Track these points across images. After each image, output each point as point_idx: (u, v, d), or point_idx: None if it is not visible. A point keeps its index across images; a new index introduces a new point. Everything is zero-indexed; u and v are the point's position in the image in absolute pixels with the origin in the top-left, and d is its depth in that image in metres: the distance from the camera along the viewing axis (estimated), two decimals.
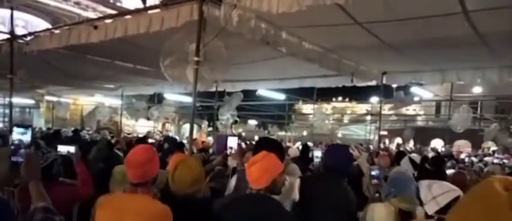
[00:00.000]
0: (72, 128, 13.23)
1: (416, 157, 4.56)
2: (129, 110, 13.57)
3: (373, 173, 3.71)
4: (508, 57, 5.76)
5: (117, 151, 7.38)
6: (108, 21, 5.02)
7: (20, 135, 5.21)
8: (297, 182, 2.45)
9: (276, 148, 2.48)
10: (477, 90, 20.02)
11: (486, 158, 12.03)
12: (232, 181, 2.85)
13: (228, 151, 2.71)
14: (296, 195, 2.41)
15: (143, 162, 2.06)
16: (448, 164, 7.98)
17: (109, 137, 10.81)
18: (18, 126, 5.43)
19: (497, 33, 4.61)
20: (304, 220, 2.27)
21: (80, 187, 3.04)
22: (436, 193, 2.15)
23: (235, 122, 25.36)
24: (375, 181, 3.66)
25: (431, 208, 2.14)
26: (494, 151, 16.17)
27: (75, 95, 15.50)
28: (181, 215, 2.22)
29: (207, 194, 2.74)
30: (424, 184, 2.33)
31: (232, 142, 2.72)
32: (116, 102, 14.20)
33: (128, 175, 2.05)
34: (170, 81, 4.75)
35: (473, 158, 10.75)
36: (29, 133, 5.29)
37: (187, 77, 4.61)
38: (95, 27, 5.02)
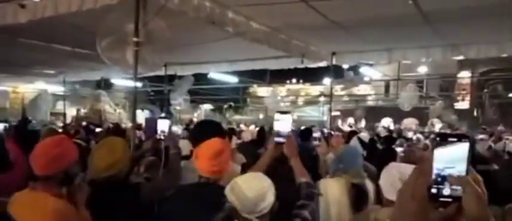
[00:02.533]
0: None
1: (365, 136, 4.61)
2: (72, 98, 12.82)
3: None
4: (450, 36, 5.93)
5: (77, 141, 6.99)
6: None
7: None
8: (238, 169, 2.32)
9: (218, 131, 2.32)
10: (423, 69, 20.92)
11: (432, 135, 12.62)
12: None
13: (159, 135, 2.50)
14: None
15: (49, 152, 1.82)
16: (397, 142, 8.27)
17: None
18: None
19: (439, 12, 4.70)
20: None
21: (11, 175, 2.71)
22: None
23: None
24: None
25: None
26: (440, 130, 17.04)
27: (14, 82, 14.43)
28: (98, 201, 2.05)
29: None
30: (393, 170, 2.14)
31: (164, 125, 2.52)
32: (59, 89, 13.28)
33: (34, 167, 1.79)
34: (108, 64, 4.45)
35: (419, 135, 11.19)
36: None
37: (128, 60, 4.33)
38: (22, 6, 4.57)
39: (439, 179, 0.74)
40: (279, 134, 1.99)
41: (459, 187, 0.73)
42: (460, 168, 0.74)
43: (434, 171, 0.75)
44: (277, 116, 2.02)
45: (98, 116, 14.05)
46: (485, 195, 0.75)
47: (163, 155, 2.44)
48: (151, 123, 2.74)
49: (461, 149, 0.74)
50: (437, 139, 0.76)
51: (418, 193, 0.76)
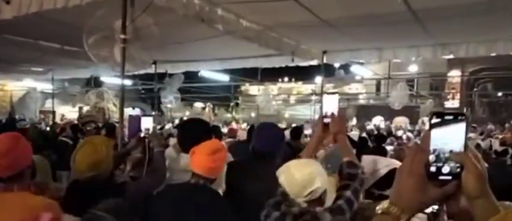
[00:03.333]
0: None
1: (354, 135, 4.59)
2: (61, 96, 12.62)
3: None
4: (440, 35, 5.95)
5: (64, 139, 6.92)
6: None
7: None
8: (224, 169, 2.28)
9: (207, 131, 2.27)
10: (414, 68, 21.05)
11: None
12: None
13: (143, 133, 2.44)
14: (222, 184, 2.23)
15: (6, 151, 1.75)
16: (388, 140, 8.31)
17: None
18: None
19: (429, 10, 4.70)
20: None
21: None
22: (379, 167, 1.99)
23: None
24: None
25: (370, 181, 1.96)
26: None
27: (1, 80, 14.21)
28: (82, 202, 2.03)
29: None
30: (367, 159, 2.17)
31: (147, 123, 2.46)
32: (48, 87, 13.08)
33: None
34: (95, 62, 4.38)
35: (409, 134, 11.26)
36: None
37: (115, 57, 4.27)
38: (7, 2, 4.47)
39: (438, 157, 0.74)
40: (326, 115, 2.00)
41: (458, 164, 0.73)
42: (457, 146, 0.74)
43: (432, 149, 0.74)
44: (325, 97, 2.08)
45: (101, 115, 12.88)
46: (485, 171, 0.75)
47: (147, 154, 2.39)
48: (135, 121, 2.65)
49: (459, 127, 0.73)
50: (435, 117, 0.75)
51: (415, 169, 0.76)
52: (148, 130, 2.45)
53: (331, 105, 2.01)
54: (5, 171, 1.73)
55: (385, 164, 2.05)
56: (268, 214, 1.72)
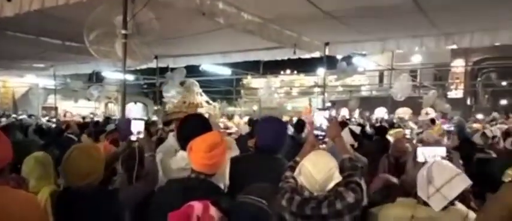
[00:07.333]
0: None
1: (356, 128, 4.55)
2: (64, 91, 12.64)
3: None
4: (443, 25, 5.89)
5: (70, 135, 6.89)
6: None
7: None
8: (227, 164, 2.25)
9: (205, 129, 2.23)
10: (417, 59, 20.94)
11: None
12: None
13: (135, 136, 2.38)
14: (225, 179, 2.22)
15: None
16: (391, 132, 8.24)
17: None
18: None
19: (432, 1, 4.65)
20: None
21: None
22: (438, 183, 1.83)
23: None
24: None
25: (438, 204, 1.81)
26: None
27: (2, 76, 14.23)
28: (74, 210, 2.00)
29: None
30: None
31: (138, 126, 2.38)
32: (50, 83, 13.08)
33: None
34: (97, 57, 4.37)
35: (412, 125, 11.18)
36: None
37: (117, 53, 4.26)
38: (9, 0, 4.46)
39: None
40: (318, 128, 2.19)
41: None
42: None
43: None
44: (316, 113, 2.31)
45: (193, 111, 9.05)
46: None
47: (138, 158, 2.35)
48: (125, 124, 2.59)
49: None
50: None
51: None
52: (139, 133, 2.39)
53: (322, 119, 2.20)
54: None
55: (443, 179, 1.85)
56: (291, 198, 1.80)
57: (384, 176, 2.69)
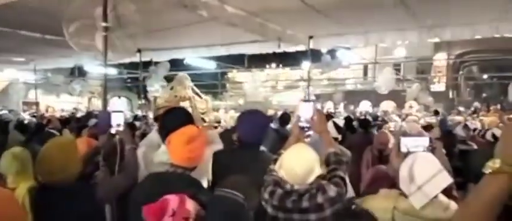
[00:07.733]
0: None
1: (340, 121, 4.57)
2: (45, 86, 12.39)
3: None
4: (427, 18, 5.95)
5: (51, 131, 6.74)
6: None
7: None
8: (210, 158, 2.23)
9: (188, 122, 2.20)
10: (401, 53, 21.15)
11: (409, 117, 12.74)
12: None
13: (114, 129, 2.33)
14: (208, 174, 2.19)
15: None
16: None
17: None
18: None
19: None
20: None
21: None
22: (420, 181, 1.81)
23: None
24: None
25: (419, 203, 1.80)
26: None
27: None
28: (50, 206, 1.97)
29: None
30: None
31: (118, 119, 2.33)
32: (31, 77, 12.80)
33: None
34: (77, 50, 4.28)
35: (396, 117, 11.31)
36: None
37: (97, 46, 4.18)
38: None
39: None
40: (302, 120, 2.14)
41: None
42: None
43: None
44: (301, 104, 2.20)
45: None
46: None
47: (119, 151, 2.31)
48: (105, 117, 2.52)
49: None
50: None
51: None
52: (119, 125, 2.34)
53: (307, 111, 2.14)
54: None
55: (426, 175, 1.83)
56: (272, 191, 1.80)
57: (378, 168, 2.67)
